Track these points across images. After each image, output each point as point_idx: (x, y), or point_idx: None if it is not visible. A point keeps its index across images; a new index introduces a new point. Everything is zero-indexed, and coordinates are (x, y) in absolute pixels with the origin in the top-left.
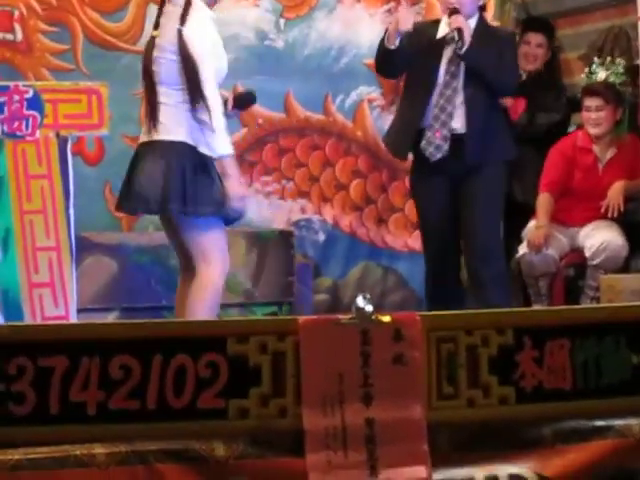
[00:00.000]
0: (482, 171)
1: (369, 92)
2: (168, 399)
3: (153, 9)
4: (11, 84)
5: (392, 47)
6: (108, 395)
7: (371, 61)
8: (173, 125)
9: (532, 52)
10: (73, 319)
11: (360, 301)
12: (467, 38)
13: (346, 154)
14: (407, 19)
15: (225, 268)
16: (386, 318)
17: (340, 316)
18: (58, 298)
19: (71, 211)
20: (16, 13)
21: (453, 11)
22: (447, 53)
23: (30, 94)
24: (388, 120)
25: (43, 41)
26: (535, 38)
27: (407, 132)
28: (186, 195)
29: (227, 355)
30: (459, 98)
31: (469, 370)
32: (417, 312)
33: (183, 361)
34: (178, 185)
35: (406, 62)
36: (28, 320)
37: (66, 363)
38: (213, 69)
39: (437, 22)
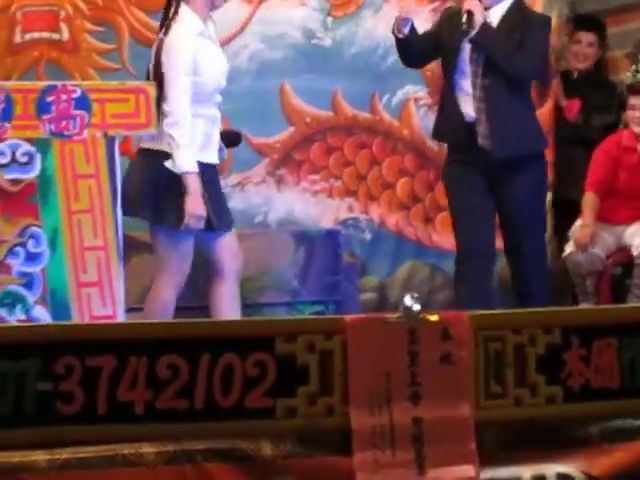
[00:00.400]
0: (520, 170)
1: (415, 91)
2: (216, 398)
3: None
4: (59, 84)
5: (400, 36)
6: (156, 394)
7: None
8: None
9: (582, 51)
10: (121, 318)
11: (408, 300)
12: (478, 22)
13: (392, 153)
14: (408, 8)
15: (176, 282)
16: (434, 317)
17: (387, 315)
18: (106, 297)
19: (118, 210)
20: (62, 13)
21: None
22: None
23: (78, 94)
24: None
25: (89, 41)
26: (586, 37)
27: (451, 123)
28: (156, 203)
29: (275, 354)
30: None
31: (516, 369)
32: (465, 311)
33: (231, 360)
34: (151, 193)
35: (420, 51)
36: (76, 319)
37: (114, 363)
38: (184, 84)
39: None
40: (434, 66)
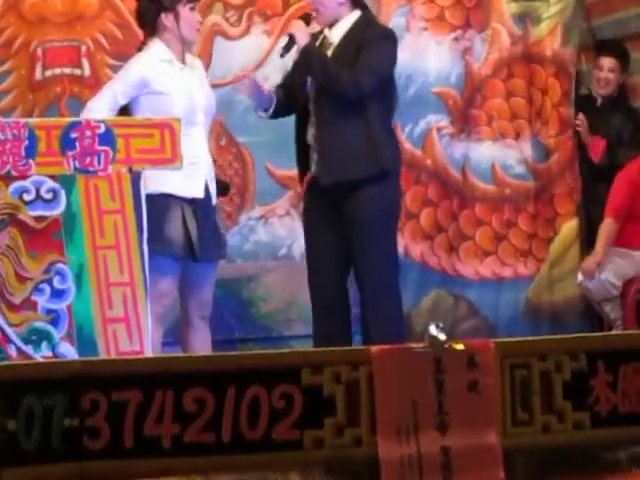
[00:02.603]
0: (355, 196)
1: (437, 120)
2: (243, 431)
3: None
4: (83, 119)
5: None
6: (183, 428)
7: (439, 89)
8: None
9: (604, 76)
10: (148, 354)
11: (433, 329)
12: (300, 45)
13: (416, 183)
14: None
15: (155, 311)
16: (459, 346)
17: (413, 345)
18: (133, 333)
19: (145, 246)
20: (83, 48)
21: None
22: None
23: (102, 129)
24: (457, 148)
25: (111, 75)
26: (608, 62)
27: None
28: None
29: (301, 386)
30: None
31: (543, 396)
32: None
33: (257, 393)
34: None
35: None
36: (102, 356)
37: (140, 397)
38: (110, 91)
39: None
40: (456, 95)
